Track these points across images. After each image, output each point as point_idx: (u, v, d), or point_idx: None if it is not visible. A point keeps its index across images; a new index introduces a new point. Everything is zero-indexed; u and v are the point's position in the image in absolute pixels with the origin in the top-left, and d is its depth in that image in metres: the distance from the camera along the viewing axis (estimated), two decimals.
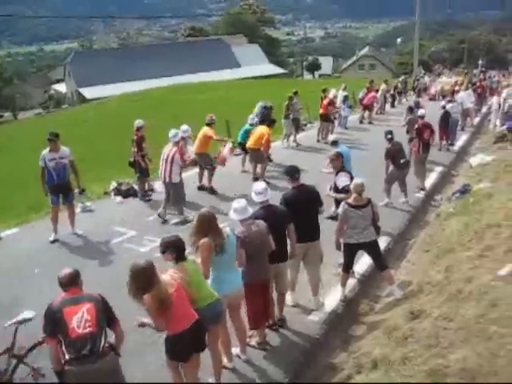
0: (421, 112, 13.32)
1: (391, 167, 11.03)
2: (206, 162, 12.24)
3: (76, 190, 10.00)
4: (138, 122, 11.84)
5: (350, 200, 7.07)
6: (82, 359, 4.23)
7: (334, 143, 10.34)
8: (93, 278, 5.27)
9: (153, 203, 11.75)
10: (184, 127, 11.83)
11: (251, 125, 14.00)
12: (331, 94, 19.11)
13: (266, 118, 14.18)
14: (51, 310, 4.35)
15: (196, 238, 5.41)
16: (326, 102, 18.28)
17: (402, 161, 10.98)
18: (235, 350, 5.99)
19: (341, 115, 20.30)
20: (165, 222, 10.42)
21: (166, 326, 4.66)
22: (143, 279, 4.44)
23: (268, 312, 6.23)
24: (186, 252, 5.14)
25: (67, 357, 4.27)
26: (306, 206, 6.76)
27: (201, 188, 12.60)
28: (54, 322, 4.30)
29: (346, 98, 20.28)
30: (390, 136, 11.09)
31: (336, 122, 19.86)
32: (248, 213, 5.91)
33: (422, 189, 12.25)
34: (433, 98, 28.43)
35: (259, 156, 13.04)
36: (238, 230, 5.80)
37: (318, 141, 17.91)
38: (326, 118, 18.16)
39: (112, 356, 4.43)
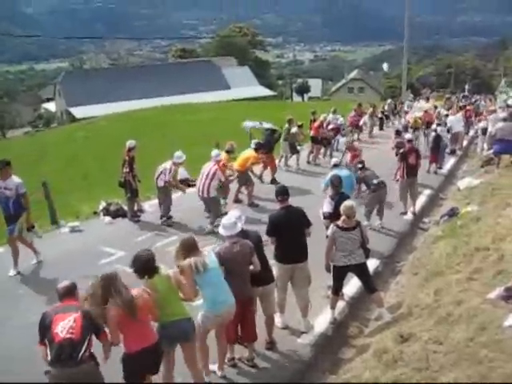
0: (408, 136, 13.29)
1: (366, 191, 11.14)
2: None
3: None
4: (130, 143, 11.80)
5: (339, 222, 7.09)
6: (60, 363, 4.44)
7: (335, 166, 10.37)
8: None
9: (142, 224, 11.73)
10: (180, 154, 11.85)
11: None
12: (322, 116, 19.24)
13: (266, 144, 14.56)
14: (43, 317, 4.67)
15: (178, 261, 5.65)
16: (316, 124, 18.41)
17: (375, 181, 10.97)
18: (212, 367, 6.02)
19: (337, 138, 20.42)
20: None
21: (124, 342, 4.81)
22: (103, 287, 4.75)
23: (249, 331, 6.19)
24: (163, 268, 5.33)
25: (49, 358, 4.50)
26: (292, 227, 6.80)
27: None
28: (44, 328, 4.58)
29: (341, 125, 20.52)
30: (360, 165, 11.30)
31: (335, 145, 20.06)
32: (236, 229, 6.02)
33: (403, 212, 12.27)
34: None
35: (243, 178, 13.11)
36: (219, 247, 5.98)
37: (309, 162, 17.98)
38: (317, 140, 18.26)
39: (91, 365, 4.60)
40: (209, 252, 5.81)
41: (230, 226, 6.01)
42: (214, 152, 11.59)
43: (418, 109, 27.26)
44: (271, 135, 15.75)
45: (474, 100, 39.66)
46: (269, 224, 6.90)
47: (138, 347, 4.76)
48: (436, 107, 27.92)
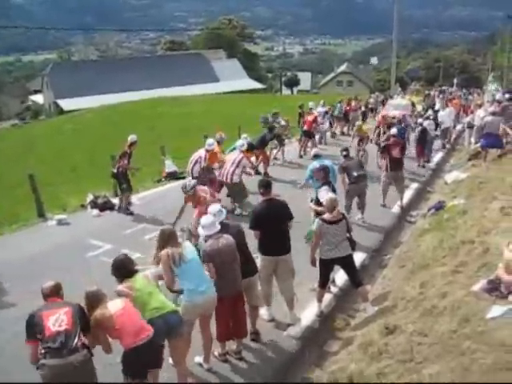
0: (392, 130, 13.27)
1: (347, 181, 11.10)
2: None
3: None
4: (132, 137, 11.90)
5: (325, 216, 7.13)
6: (53, 353, 4.46)
7: (316, 157, 10.36)
8: (68, 291, 5.22)
9: (130, 217, 11.71)
10: (210, 141, 12.19)
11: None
12: (316, 112, 19.25)
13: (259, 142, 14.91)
14: (31, 315, 4.66)
15: (157, 251, 5.77)
16: (311, 118, 18.38)
17: (355, 173, 10.94)
18: (199, 359, 6.05)
19: (320, 131, 20.49)
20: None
21: (121, 342, 4.81)
22: (87, 302, 4.86)
23: (239, 327, 6.22)
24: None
25: (42, 351, 4.50)
26: (275, 220, 6.83)
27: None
28: (32, 326, 4.59)
29: (326, 114, 20.53)
30: (345, 153, 11.23)
31: (317, 138, 20.11)
32: (215, 228, 6.06)
33: (383, 205, 12.40)
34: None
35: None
36: (205, 245, 5.98)
37: (301, 156, 18.01)
38: (310, 134, 18.27)
39: (84, 353, 4.60)
40: (186, 244, 5.86)
41: (209, 226, 6.03)
42: (239, 142, 12.46)
43: (394, 106, 24.56)
44: (269, 133, 15.74)
45: (462, 94, 39.81)
46: (251, 217, 6.97)
47: (136, 343, 4.74)
48: (413, 104, 26.52)
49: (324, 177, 9.22)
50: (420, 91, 42.18)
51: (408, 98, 31.96)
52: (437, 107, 24.52)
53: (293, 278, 7.12)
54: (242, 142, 12.49)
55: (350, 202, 11.22)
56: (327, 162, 10.13)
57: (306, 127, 18.32)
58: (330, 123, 22.85)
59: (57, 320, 4.56)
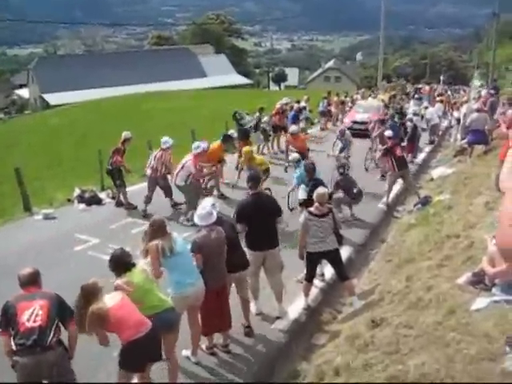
0: (388, 133, 13.03)
1: (342, 194, 11.12)
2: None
3: None
4: (126, 134, 11.88)
5: (312, 209, 7.17)
6: (27, 350, 4.40)
7: (298, 162, 10.41)
8: (54, 285, 5.23)
9: (117, 211, 11.70)
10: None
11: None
12: (279, 104, 19.01)
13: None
14: (6, 306, 4.61)
15: (145, 243, 5.74)
16: (274, 112, 18.29)
17: (355, 190, 11.09)
18: (186, 352, 6.07)
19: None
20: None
21: (119, 335, 4.75)
22: (83, 296, 4.72)
23: (224, 320, 6.24)
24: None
25: (15, 348, 4.44)
26: (261, 214, 6.84)
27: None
28: (7, 317, 4.53)
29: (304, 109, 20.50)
30: (341, 170, 11.17)
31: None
32: (212, 219, 6.04)
33: (385, 203, 12.43)
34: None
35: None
36: (196, 235, 6.00)
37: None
38: (276, 129, 18.10)
39: (59, 350, 4.57)
40: (175, 236, 5.82)
41: (205, 216, 6.02)
42: (195, 144, 11.41)
43: (364, 108, 22.15)
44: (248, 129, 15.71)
45: (447, 90, 40.03)
46: (236, 210, 6.98)
47: (134, 336, 4.69)
48: (387, 106, 22.74)
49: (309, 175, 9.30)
50: (394, 88, 35.04)
51: (381, 97, 27.60)
52: (411, 110, 21.39)
53: (281, 271, 7.17)
54: (198, 144, 11.46)
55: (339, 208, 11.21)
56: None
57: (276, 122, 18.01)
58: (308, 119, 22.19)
59: (31, 315, 4.49)
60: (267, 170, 11.76)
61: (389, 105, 23.17)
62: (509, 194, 2.45)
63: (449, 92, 38.37)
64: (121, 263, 5.18)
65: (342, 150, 14.53)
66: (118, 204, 12.04)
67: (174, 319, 5.35)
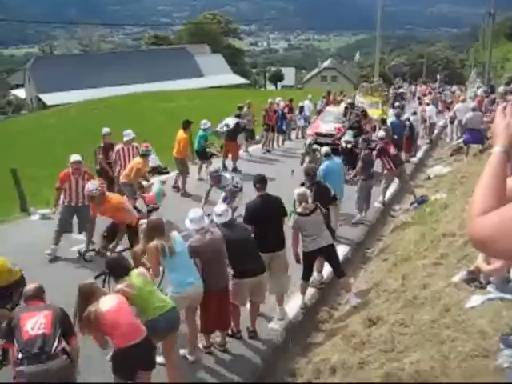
0: (380, 134, 12.89)
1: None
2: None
3: None
4: (105, 131, 11.76)
5: (299, 209, 7.20)
6: (31, 358, 4.31)
7: (327, 156, 10.31)
8: (51, 284, 5.24)
9: None
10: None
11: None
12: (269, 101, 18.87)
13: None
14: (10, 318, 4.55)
15: (144, 242, 5.73)
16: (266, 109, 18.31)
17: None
18: (183, 351, 6.06)
19: (298, 126, 20.64)
20: None
21: (113, 341, 4.71)
22: (81, 297, 4.75)
23: (224, 320, 6.24)
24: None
25: (19, 356, 4.35)
26: (269, 216, 6.84)
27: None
28: (10, 328, 4.47)
29: (302, 109, 20.49)
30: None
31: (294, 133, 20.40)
32: (204, 223, 6.05)
33: (382, 202, 12.40)
34: None
35: (180, 165, 13.10)
36: (191, 239, 5.97)
37: (269, 151, 18.21)
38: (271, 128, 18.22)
39: (64, 359, 4.47)
40: (175, 235, 5.82)
41: (197, 220, 6.00)
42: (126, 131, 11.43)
43: (333, 116, 18.55)
44: (237, 127, 15.56)
45: (441, 90, 40.08)
46: (245, 212, 6.94)
47: (128, 343, 4.63)
48: (365, 114, 18.08)
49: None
50: (381, 87, 27.25)
51: (361, 100, 24.13)
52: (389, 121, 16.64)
53: (286, 272, 7.11)
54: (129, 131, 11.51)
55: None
56: (336, 161, 10.40)
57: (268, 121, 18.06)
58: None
59: (35, 323, 4.44)
60: None
61: (345, 118, 18.23)
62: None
63: (446, 92, 38.44)
64: (119, 267, 5.16)
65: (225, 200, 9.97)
66: None
67: (178, 319, 5.36)
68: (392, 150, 12.18)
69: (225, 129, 14.55)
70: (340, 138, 15.59)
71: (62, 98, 48.22)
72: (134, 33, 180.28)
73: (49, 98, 52.27)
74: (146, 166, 10.78)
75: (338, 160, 10.59)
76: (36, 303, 4.70)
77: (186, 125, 13.07)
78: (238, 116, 15.83)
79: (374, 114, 20.02)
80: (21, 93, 66.28)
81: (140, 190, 10.37)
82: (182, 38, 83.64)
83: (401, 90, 32.67)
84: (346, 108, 19.64)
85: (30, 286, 4.84)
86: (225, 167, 14.73)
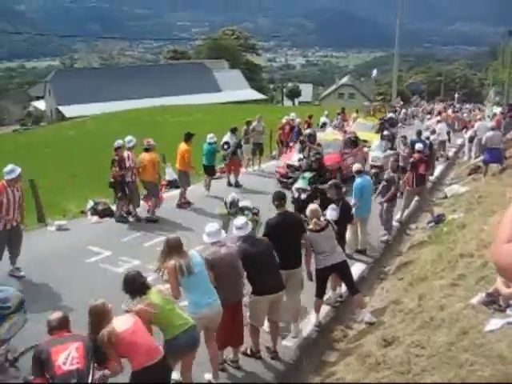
0: (418, 146, 12.65)
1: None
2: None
3: None
4: (117, 143, 11.80)
5: (311, 226, 7.14)
6: None
7: (359, 173, 10.27)
8: (67, 296, 5.23)
9: (129, 224, 11.71)
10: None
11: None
12: (285, 118, 19.25)
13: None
14: (38, 351, 4.38)
15: (161, 262, 5.67)
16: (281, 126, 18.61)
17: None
18: (208, 376, 5.96)
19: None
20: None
21: (130, 361, 4.63)
22: (92, 318, 4.67)
23: (236, 335, 6.18)
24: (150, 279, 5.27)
25: None
26: (288, 233, 6.78)
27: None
28: (41, 363, 4.30)
29: (324, 125, 20.55)
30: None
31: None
32: (220, 236, 6.05)
33: (400, 221, 12.28)
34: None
35: (183, 177, 13.25)
36: (206, 253, 5.94)
37: None
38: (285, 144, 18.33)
39: None
40: (193, 254, 5.77)
41: (214, 233, 6.00)
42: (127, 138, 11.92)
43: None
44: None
45: (459, 108, 39.85)
46: (266, 228, 6.89)
47: (146, 363, 4.55)
48: (356, 141, 16.69)
49: (332, 195, 8.88)
50: (384, 108, 25.57)
51: (362, 120, 23.10)
52: (371, 159, 15.15)
53: (301, 289, 7.05)
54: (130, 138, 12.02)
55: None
56: (367, 179, 10.39)
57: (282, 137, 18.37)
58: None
59: (67, 358, 4.29)
60: None
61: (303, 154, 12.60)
62: None
63: (463, 110, 38.22)
64: (136, 285, 5.08)
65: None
66: (119, 219, 11.89)
67: (198, 337, 5.31)
68: (421, 169, 12.07)
69: (225, 147, 14.73)
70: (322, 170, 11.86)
71: (81, 111, 48.85)
72: (154, 47, 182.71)
73: (68, 110, 52.95)
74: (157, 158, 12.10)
75: (367, 177, 10.61)
76: (62, 334, 4.56)
77: (188, 137, 13.14)
78: (234, 130, 15.55)
79: (371, 138, 18.26)
80: (41, 104, 67.30)
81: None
82: (200, 53, 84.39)
83: (390, 115, 24.29)
84: (301, 141, 13.76)
85: (54, 316, 4.66)
86: (230, 183, 14.92)
